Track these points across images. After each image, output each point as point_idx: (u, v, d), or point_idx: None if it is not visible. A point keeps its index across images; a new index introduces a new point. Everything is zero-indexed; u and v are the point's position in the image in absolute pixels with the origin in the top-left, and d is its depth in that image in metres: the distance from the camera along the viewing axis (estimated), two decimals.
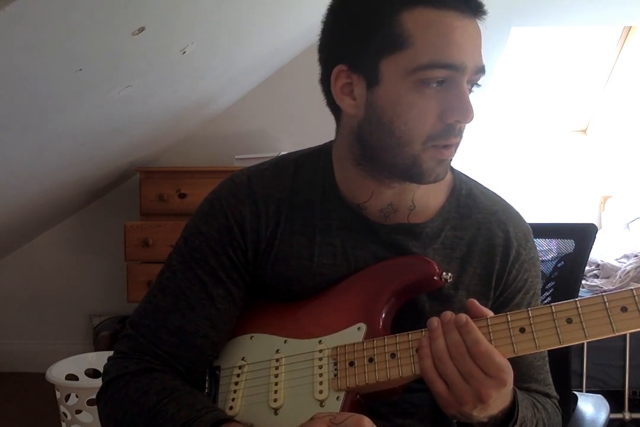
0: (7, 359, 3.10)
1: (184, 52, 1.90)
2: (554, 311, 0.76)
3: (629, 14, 2.92)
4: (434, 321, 0.79)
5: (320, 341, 0.86)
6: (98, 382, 0.92)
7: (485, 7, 0.84)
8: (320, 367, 0.84)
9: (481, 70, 0.84)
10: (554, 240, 1.34)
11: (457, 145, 0.87)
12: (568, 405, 1.22)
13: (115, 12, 1.38)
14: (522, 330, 0.77)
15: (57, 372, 2.17)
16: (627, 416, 2.21)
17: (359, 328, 0.85)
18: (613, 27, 3.18)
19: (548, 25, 3.09)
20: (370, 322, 0.85)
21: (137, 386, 0.87)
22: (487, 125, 3.46)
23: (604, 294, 0.75)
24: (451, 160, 0.88)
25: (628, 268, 2.57)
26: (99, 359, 2.34)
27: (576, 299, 0.75)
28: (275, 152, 2.78)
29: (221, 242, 0.91)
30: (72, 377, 2.25)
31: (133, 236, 2.63)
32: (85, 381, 2.24)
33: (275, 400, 0.85)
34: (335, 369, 0.83)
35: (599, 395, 1.30)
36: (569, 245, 1.29)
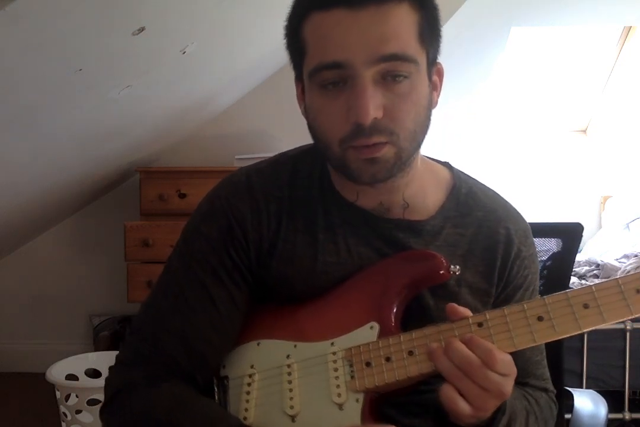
0: (7, 359, 3.10)
1: (184, 52, 1.90)
2: (569, 296, 0.75)
3: (629, 14, 2.92)
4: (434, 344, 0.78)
5: (332, 343, 0.84)
6: (98, 382, 0.92)
7: None
8: (336, 369, 0.82)
9: (390, 58, 0.77)
10: (541, 239, 1.34)
11: (384, 143, 0.79)
12: (561, 401, 1.23)
13: (115, 12, 1.38)
14: (540, 318, 0.76)
15: (57, 372, 2.16)
16: (627, 416, 2.20)
17: (371, 327, 0.83)
18: (613, 27, 3.19)
19: (548, 25, 3.09)
20: (382, 320, 0.83)
21: (144, 398, 0.84)
22: (487, 125, 3.47)
23: (618, 278, 0.75)
24: (399, 160, 0.82)
25: (628, 268, 2.57)
26: (99, 359, 2.33)
27: (591, 284, 0.75)
28: (275, 152, 2.77)
29: (222, 242, 0.89)
30: (72, 377, 2.24)
31: (133, 235, 2.63)
32: (85, 381, 2.22)
33: (291, 407, 0.83)
34: (352, 371, 0.81)
35: (591, 390, 1.32)
36: (556, 244, 1.30)
